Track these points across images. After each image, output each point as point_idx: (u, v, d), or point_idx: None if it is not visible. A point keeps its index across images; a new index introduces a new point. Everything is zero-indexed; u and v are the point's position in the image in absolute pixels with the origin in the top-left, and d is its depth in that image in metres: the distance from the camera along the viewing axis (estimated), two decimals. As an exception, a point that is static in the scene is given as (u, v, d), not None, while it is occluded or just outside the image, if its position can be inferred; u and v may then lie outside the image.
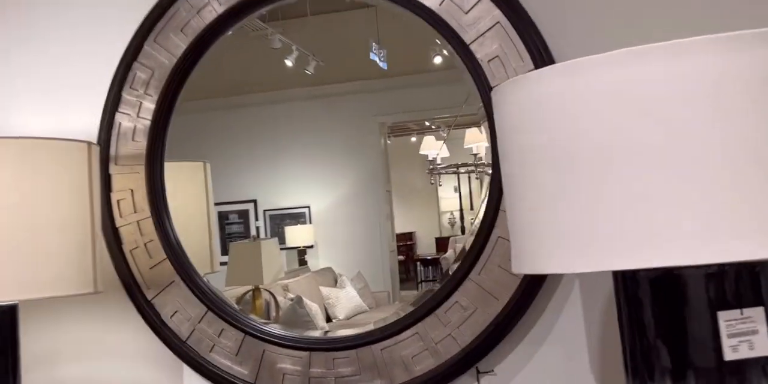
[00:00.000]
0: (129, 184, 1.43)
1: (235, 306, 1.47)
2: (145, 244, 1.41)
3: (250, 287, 1.81)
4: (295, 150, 3.25)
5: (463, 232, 4.65)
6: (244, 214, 3.19)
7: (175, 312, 1.40)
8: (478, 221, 1.31)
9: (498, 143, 0.83)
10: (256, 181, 3.26)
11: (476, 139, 2.28)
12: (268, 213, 3.36)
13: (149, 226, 1.42)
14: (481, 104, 1.29)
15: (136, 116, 1.44)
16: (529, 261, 0.75)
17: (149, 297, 1.41)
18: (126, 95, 1.45)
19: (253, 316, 1.43)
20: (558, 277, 1.22)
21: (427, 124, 4.37)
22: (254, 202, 3.29)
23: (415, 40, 2.91)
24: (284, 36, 2.87)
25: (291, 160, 3.26)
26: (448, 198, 4.58)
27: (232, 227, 3.13)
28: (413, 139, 4.80)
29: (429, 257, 4.35)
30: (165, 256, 1.40)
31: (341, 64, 3.03)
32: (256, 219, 3.25)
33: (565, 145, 0.70)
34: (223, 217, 3.17)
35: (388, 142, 3.55)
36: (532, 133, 0.73)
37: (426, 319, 1.27)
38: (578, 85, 0.69)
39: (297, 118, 3.21)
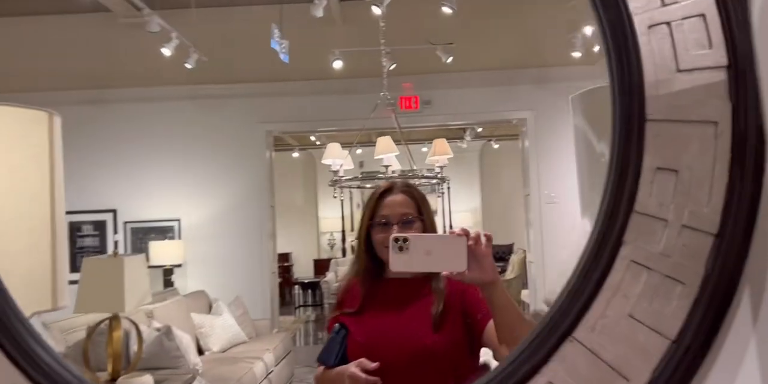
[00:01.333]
0: None
1: (75, 370, 0.61)
2: None
3: (106, 315, 1.47)
4: (166, 154, 2.88)
5: (344, 254, 4.47)
6: (100, 226, 2.75)
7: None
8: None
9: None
10: (117, 187, 2.84)
11: (387, 149, 2.11)
12: (129, 225, 2.94)
13: None
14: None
15: None
16: None
17: None
18: None
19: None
20: (722, 339, 0.54)
21: (312, 138, 4.15)
22: (113, 212, 2.86)
23: (315, 43, 2.70)
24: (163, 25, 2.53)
25: (161, 165, 2.89)
26: (329, 218, 4.39)
27: (85, 240, 2.69)
28: (295, 154, 4.56)
29: (308, 280, 4.10)
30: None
31: (228, 62, 2.74)
32: (115, 232, 2.82)
33: None
34: (74, 229, 2.71)
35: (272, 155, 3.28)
36: None
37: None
38: None
39: (171, 119, 2.86)
